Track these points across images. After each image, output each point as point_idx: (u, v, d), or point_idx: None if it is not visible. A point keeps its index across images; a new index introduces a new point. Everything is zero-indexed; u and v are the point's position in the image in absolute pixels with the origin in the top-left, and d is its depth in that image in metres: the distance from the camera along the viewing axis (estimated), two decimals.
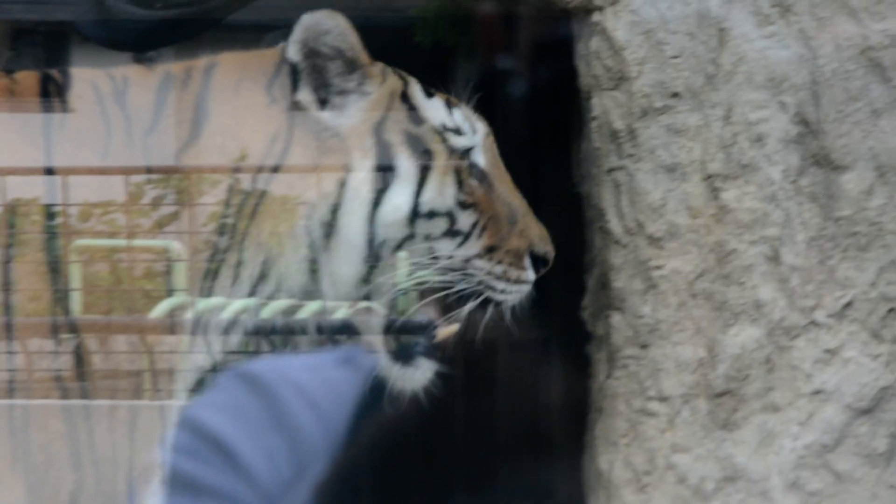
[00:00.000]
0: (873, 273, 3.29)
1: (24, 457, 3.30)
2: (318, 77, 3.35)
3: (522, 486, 4.01)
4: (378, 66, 3.45)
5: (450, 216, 3.39)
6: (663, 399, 3.35)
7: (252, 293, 3.37)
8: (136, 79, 3.46)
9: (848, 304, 3.30)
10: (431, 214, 3.38)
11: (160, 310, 3.44)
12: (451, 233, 3.40)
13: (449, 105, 3.47)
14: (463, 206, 3.40)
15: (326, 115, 3.35)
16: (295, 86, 3.35)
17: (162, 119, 3.41)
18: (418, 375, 3.43)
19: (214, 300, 3.37)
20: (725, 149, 3.34)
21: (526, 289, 3.43)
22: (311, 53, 3.33)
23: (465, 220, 3.40)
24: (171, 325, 3.35)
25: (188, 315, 3.35)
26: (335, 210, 3.34)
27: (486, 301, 3.41)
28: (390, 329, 3.40)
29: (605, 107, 3.41)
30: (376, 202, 3.36)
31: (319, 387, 3.41)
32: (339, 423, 3.40)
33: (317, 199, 3.34)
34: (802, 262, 3.31)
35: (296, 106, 3.38)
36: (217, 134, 3.36)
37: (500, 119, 3.67)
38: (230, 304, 3.37)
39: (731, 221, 3.33)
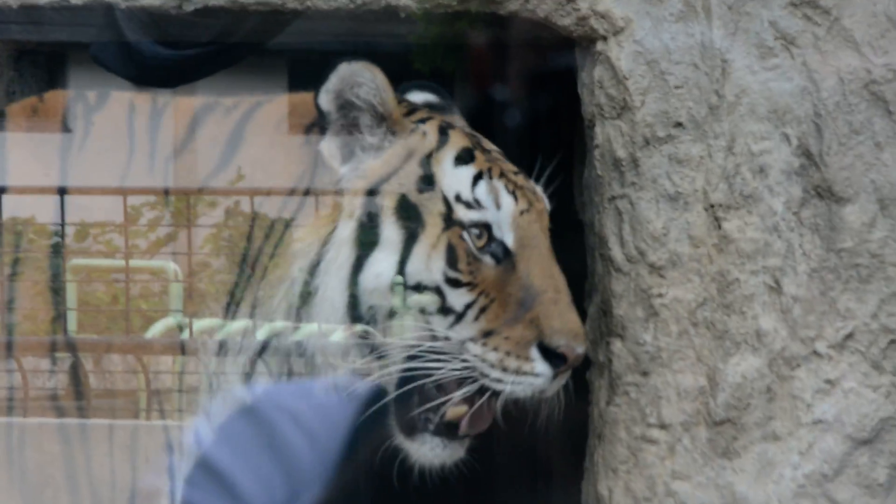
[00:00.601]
0: (874, 305, 3.32)
1: (21, 476, 3.30)
2: (347, 129, 3.31)
3: None
4: (411, 126, 3.38)
5: (439, 292, 3.28)
6: (664, 426, 3.36)
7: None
8: (173, 104, 3.47)
9: (849, 335, 3.33)
10: (419, 288, 3.28)
11: (157, 329, 3.45)
12: (444, 310, 3.27)
13: (480, 177, 3.35)
14: (453, 283, 3.28)
15: (342, 169, 3.32)
16: (322, 132, 3.33)
17: (190, 144, 3.41)
18: (425, 451, 3.33)
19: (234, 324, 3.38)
20: (728, 179, 3.36)
21: (535, 382, 3.27)
22: (344, 104, 3.28)
23: (456, 298, 3.28)
24: (174, 346, 3.36)
25: (217, 337, 3.35)
26: (314, 266, 3.29)
27: (487, 389, 3.28)
28: (397, 397, 3.31)
29: (608, 135, 3.43)
30: (357, 266, 3.28)
31: (314, 413, 3.39)
32: (333, 449, 3.39)
33: (302, 252, 3.32)
34: (804, 293, 3.33)
35: (318, 154, 3.35)
36: (246, 165, 3.37)
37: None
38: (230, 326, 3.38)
39: (732, 251, 3.36)
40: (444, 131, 3.42)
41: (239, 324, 3.35)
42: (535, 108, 4.05)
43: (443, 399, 3.27)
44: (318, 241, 3.29)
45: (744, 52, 3.37)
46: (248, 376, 3.36)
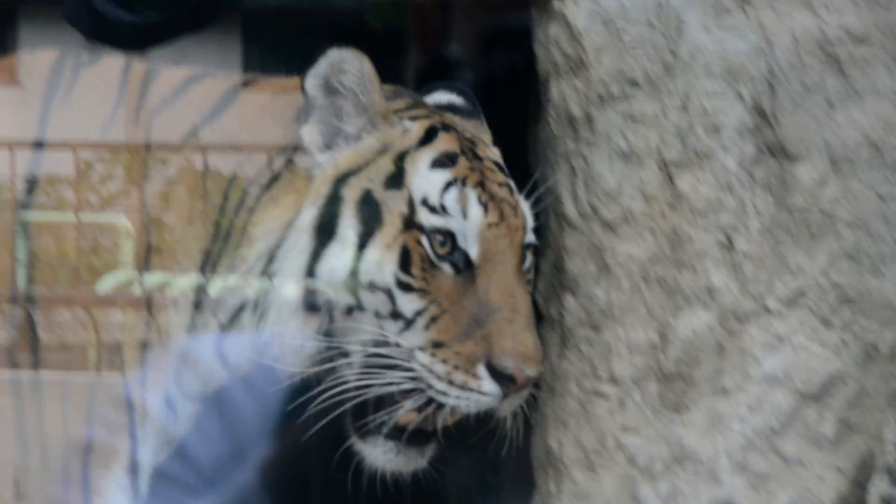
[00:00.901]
0: (825, 262, 3.36)
1: None
2: (330, 116, 3.27)
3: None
4: (394, 120, 3.32)
5: (389, 295, 3.20)
6: (614, 381, 3.39)
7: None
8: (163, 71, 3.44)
9: (799, 292, 3.36)
10: (372, 287, 3.20)
11: (109, 284, 3.42)
12: (394, 314, 3.19)
13: (452, 183, 3.26)
14: (404, 287, 3.19)
15: (320, 157, 3.28)
16: (305, 118, 3.28)
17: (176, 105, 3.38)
18: (378, 455, 3.28)
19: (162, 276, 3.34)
20: (681, 137, 3.39)
21: (481, 400, 3.19)
22: (329, 90, 3.24)
23: (406, 303, 3.19)
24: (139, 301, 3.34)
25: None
26: (274, 250, 3.25)
27: (432, 400, 3.20)
28: (353, 396, 3.22)
29: (563, 93, 3.44)
30: (314, 257, 3.23)
31: (258, 367, 3.36)
32: (278, 405, 3.37)
33: (266, 232, 3.27)
34: (755, 250, 3.36)
35: (298, 138, 3.30)
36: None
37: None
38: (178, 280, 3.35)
39: (685, 208, 3.38)
40: (433, 132, 3.35)
41: (191, 279, 3.32)
42: (490, 66, 4.05)
43: (395, 405, 3.22)
44: (281, 225, 3.25)
45: (699, 11, 3.39)
46: (193, 329, 3.32)
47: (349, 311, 3.21)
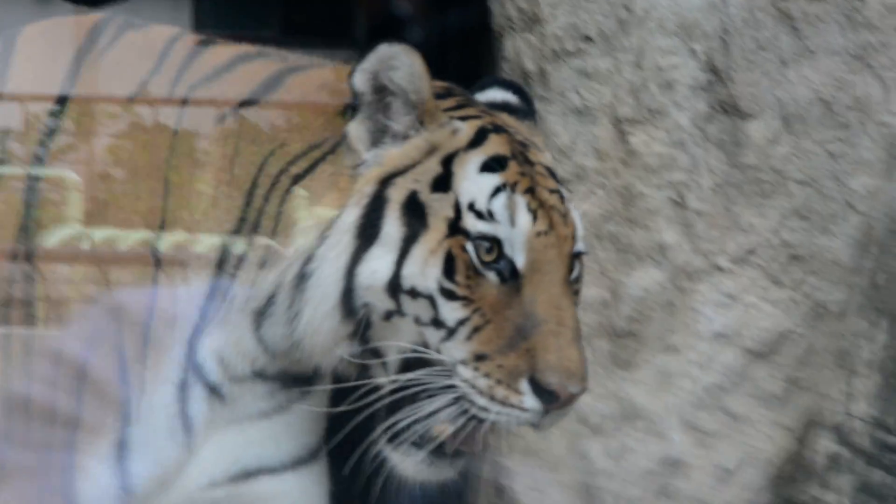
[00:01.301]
0: (776, 220, 3.36)
1: None
2: (378, 114, 3.13)
3: None
4: (443, 119, 3.16)
5: (432, 302, 3.07)
6: None
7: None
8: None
9: (750, 250, 3.37)
10: (414, 293, 3.07)
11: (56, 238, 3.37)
12: (436, 322, 3.06)
13: (501, 189, 3.13)
14: (447, 294, 3.07)
15: (367, 154, 3.12)
16: (351, 114, 3.13)
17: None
18: (408, 465, 3.14)
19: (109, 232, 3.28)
20: (635, 93, 3.38)
21: (522, 416, 3.05)
22: (378, 87, 3.10)
23: (449, 311, 3.07)
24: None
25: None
26: (314, 248, 3.08)
27: (466, 412, 3.06)
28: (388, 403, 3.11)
29: (518, 48, 3.42)
30: (355, 259, 3.08)
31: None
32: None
33: (306, 230, 3.11)
34: (707, 208, 3.36)
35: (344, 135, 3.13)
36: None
37: None
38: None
39: (638, 165, 3.37)
40: (483, 133, 3.19)
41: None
42: (443, 22, 4.02)
43: (428, 413, 3.07)
44: (322, 223, 3.10)
45: None
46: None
47: (388, 316, 3.07)
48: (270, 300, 3.12)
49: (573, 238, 3.18)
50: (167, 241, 3.15)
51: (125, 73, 3.20)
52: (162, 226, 3.09)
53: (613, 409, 3.37)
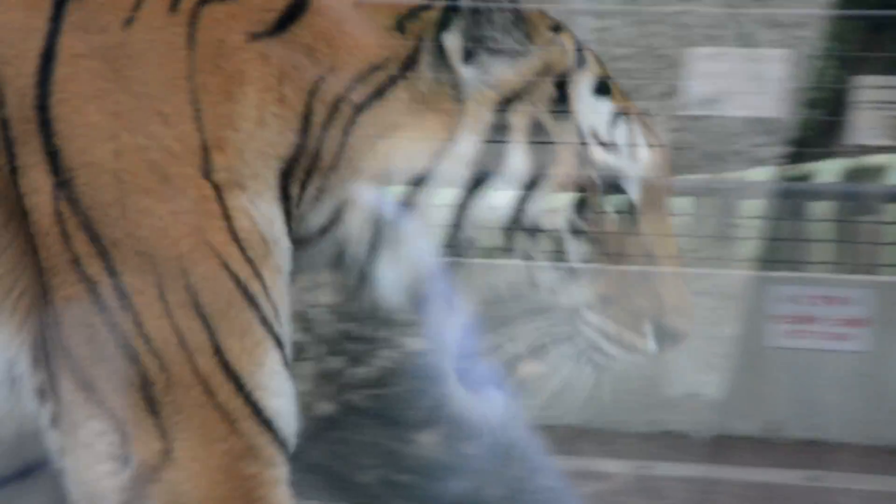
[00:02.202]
0: None
1: None
2: (477, 23, 2.75)
3: None
4: (549, 35, 2.81)
5: (557, 240, 2.78)
6: None
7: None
8: None
9: None
10: (535, 231, 2.77)
11: None
12: (559, 261, 2.79)
13: (620, 116, 2.84)
14: (577, 232, 2.78)
15: (463, 70, 2.73)
16: (444, 25, 2.74)
17: None
18: (482, 403, 2.93)
19: None
20: None
21: (637, 361, 2.84)
22: None
23: (576, 250, 2.79)
24: None
25: None
26: (417, 183, 2.73)
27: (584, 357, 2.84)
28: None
29: None
30: (471, 192, 2.74)
31: None
32: None
33: (400, 162, 2.72)
34: None
35: (436, 47, 2.75)
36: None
37: None
38: None
39: None
40: (581, 51, 2.85)
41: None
42: None
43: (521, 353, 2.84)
44: (427, 152, 2.74)
45: None
46: None
47: (491, 255, 2.81)
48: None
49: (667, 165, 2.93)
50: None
51: None
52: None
53: None
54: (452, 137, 2.71)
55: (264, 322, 2.60)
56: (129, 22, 2.61)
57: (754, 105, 6.08)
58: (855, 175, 6.66)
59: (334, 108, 2.69)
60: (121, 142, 2.55)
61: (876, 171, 6.87)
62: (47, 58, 2.54)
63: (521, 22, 2.76)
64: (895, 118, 5.89)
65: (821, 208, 6.56)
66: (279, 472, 2.61)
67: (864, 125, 5.93)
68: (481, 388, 2.91)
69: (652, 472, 5.33)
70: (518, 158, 2.73)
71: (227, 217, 2.59)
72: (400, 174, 2.71)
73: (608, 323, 2.79)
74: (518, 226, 2.73)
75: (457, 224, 2.73)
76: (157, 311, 2.52)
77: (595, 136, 2.80)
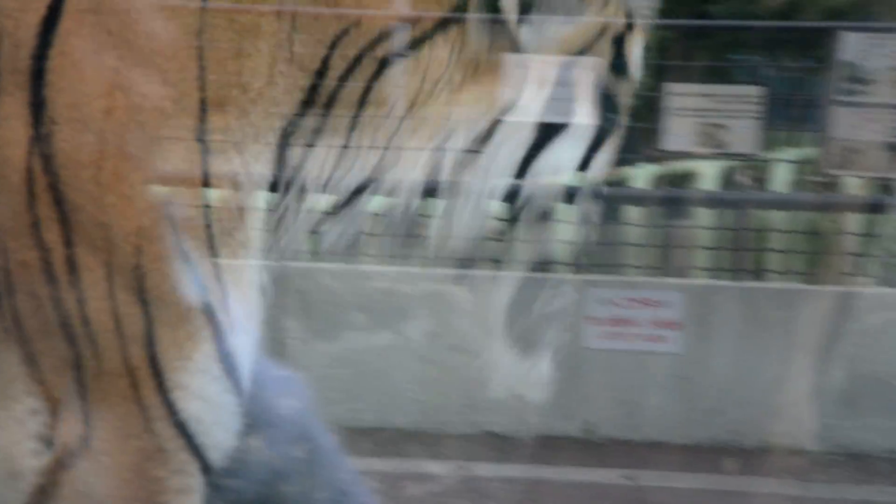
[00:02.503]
0: None
1: None
2: None
3: None
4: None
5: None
6: None
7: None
8: None
9: None
10: (598, 194, 2.75)
11: None
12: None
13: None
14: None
15: (523, 29, 2.61)
16: None
17: None
18: (532, 374, 2.92)
19: None
20: None
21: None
22: None
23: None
24: None
25: None
26: (482, 139, 2.63)
27: None
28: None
29: None
30: (532, 151, 2.66)
31: None
32: None
33: (460, 120, 2.62)
34: None
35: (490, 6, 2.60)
36: None
37: None
38: None
39: None
40: (629, 14, 2.75)
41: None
42: None
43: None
44: (487, 109, 2.63)
45: None
46: None
47: (543, 217, 2.75)
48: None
49: None
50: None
51: None
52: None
53: None
54: (515, 96, 2.62)
55: (207, 310, 2.50)
56: None
57: (567, 111, 6.17)
58: (666, 180, 6.80)
59: (356, 61, 2.58)
60: (113, 100, 2.46)
61: (686, 177, 7.03)
62: (54, 10, 2.47)
63: None
64: (704, 125, 6.03)
65: (635, 213, 6.67)
66: (189, 482, 2.54)
67: (675, 132, 6.06)
68: (278, 391, 2.89)
69: (475, 472, 5.36)
70: (585, 117, 2.64)
71: (205, 182, 2.51)
72: (458, 131, 2.61)
73: None
74: (579, 189, 2.68)
75: (516, 184, 2.64)
76: (100, 292, 2.44)
77: None
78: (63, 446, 2.47)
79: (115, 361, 2.45)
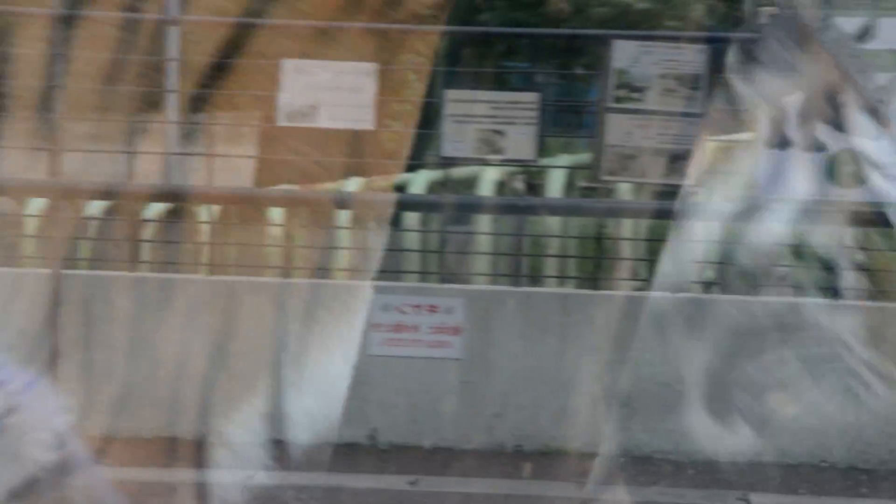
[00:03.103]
0: None
1: None
2: (766, 45, 2.63)
3: None
4: (821, 50, 2.69)
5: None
6: None
7: None
8: None
9: None
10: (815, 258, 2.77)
11: None
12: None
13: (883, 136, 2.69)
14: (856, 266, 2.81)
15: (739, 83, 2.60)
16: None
17: None
18: (730, 441, 2.81)
19: None
20: None
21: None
22: (775, 20, 2.62)
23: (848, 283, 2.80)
24: None
25: None
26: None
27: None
28: None
29: None
30: (746, 214, 2.71)
31: None
32: None
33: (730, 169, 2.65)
34: None
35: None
36: None
37: None
38: None
39: None
40: (848, 67, 2.83)
41: None
42: None
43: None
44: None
45: None
46: None
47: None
48: None
49: None
50: None
51: None
52: None
53: None
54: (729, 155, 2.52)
55: None
56: None
57: (345, 117, 6.15)
58: (442, 186, 6.84)
59: None
60: None
61: (463, 183, 7.08)
62: None
63: (804, 42, 2.58)
64: (482, 132, 6.09)
65: (414, 219, 6.70)
66: None
67: (451, 138, 6.10)
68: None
69: (264, 480, 5.30)
70: (800, 179, 2.40)
71: None
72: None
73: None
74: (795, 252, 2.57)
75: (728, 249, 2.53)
76: None
77: (870, 159, 2.46)
78: None
79: None
